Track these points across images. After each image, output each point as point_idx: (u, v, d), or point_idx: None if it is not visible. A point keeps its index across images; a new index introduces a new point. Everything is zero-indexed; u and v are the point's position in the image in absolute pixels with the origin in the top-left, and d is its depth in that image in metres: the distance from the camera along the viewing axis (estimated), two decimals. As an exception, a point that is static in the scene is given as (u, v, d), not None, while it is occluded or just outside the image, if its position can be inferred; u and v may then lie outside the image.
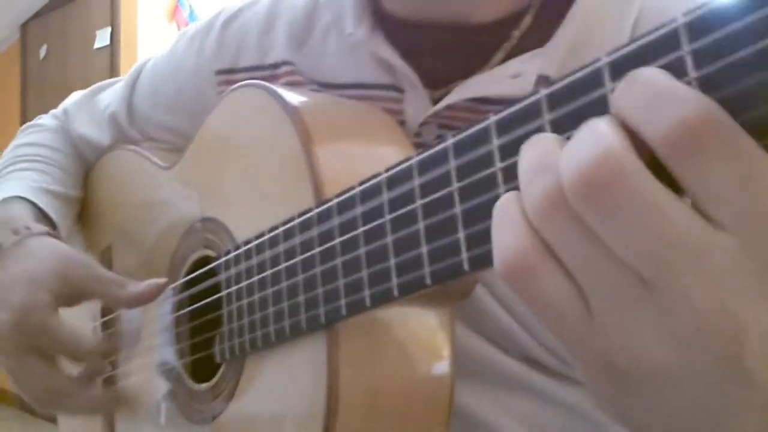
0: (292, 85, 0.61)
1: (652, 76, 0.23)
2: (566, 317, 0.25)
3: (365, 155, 0.51)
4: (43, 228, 0.66)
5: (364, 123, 0.53)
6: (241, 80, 0.65)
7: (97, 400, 0.62)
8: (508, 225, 0.26)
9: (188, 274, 0.61)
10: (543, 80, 0.51)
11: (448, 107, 0.53)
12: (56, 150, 0.79)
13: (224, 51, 0.67)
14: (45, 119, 0.84)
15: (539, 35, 0.53)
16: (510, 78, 0.52)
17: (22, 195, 0.70)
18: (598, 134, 0.23)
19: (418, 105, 0.55)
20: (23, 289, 0.58)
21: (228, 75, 0.67)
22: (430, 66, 0.55)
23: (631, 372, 0.25)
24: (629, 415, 0.27)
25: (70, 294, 0.60)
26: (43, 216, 0.70)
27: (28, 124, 0.84)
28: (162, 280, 0.59)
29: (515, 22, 0.54)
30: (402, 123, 0.55)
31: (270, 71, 0.64)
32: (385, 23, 0.58)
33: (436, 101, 0.54)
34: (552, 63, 0.51)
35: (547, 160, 0.25)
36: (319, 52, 0.61)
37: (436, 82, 0.55)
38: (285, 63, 0.63)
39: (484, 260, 0.31)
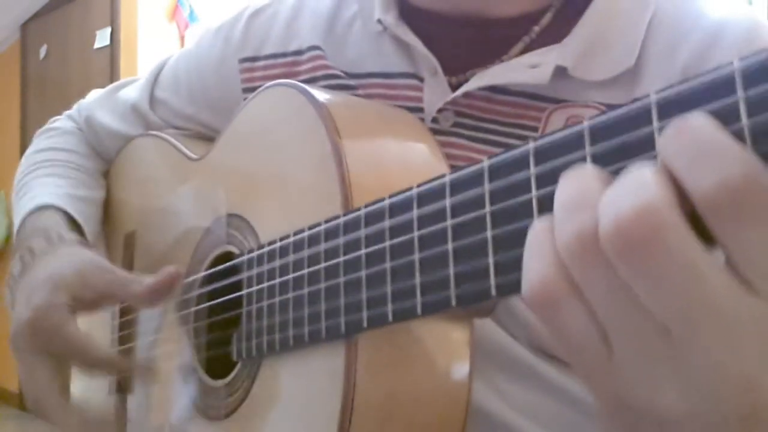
0: (316, 71, 0.62)
1: (699, 126, 0.22)
2: (585, 352, 0.25)
3: (395, 161, 0.51)
4: (75, 237, 0.67)
5: (395, 128, 0.53)
6: (263, 67, 0.66)
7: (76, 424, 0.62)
8: (538, 252, 0.26)
9: (210, 268, 0.61)
10: (560, 71, 0.52)
11: (466, 95, 0.55)
12: (75, 153, 0.80)
13: (249, 41, 0.68)
14: (60, 122, 0.84)
15: (558, 32, 0.54)
16: (528, 68, 0.53)
17: (51, 203, 0.71)
18: (642, 184, 0.23)
19: (436, 91, 0.56)
20: (44, 290, 0.60)
21: (251, 63, 0.68)
22: (449, 54, 0.57)
23: (644, 414, 0.25)
24: None
25: (91, 298, 0.61)
26: (72, 222, 0.71)
27: (44, 127, 0.85)
28: (174, 268, 0.58)
29: (536, 19, 0.56)
30: (420, 110, 0.56)
31: (292, 57, 0.65)
32: (408, 14, 0.59)
33: (454, 88, 0.56)
34: (570, 55, 0.53)
35: (586, 197, 0.25)
36: (343, 41, 0.62)
37: (455, 70, 0.57)
38: (311, 48, 0.64)
39: (512, 287, 0.31)
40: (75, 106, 0.85)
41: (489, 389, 0.52)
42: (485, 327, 0.52)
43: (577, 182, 0.26)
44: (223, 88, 0.70)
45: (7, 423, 3.86)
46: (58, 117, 0.85)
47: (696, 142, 0.22)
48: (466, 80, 0.55)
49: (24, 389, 0.61)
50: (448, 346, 0.46)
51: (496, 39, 0.56)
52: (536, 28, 0.56)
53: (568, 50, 0.53)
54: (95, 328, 0.62)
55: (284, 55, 0.65)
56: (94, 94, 0.84)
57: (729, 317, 0.22)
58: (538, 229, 0.27)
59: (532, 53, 0.54)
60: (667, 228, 0.22)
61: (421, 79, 0.57)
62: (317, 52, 0.63)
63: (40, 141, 0.82)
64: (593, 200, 0.24)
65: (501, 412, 0.52)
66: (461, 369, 0.46)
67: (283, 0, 0.69)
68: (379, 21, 0.59)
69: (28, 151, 0.82)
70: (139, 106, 0.78)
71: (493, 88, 0.54)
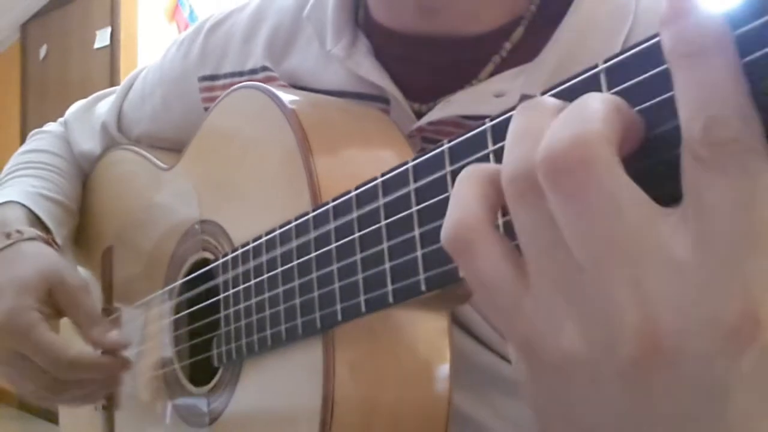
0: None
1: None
2: (499, 292, 0.25)
3: (362, 157, 0.51)
4: (36, 232, 0.66)
5: (361, 124, 0.53)
6: (222, 87, 0.65)
7: (89, 388, 0.62)
8: (456, 195, 0.26)
9: (186, 276, 0.61)
10: (527, 98, 0.49)
11: (431, 122, 0.53)
12: (59, 156, 0.80)
13: (208, 57, 0.68)
14: (52, 126, 0.85)
15: (530, 47, 0.51)
16: (493, 96, 0.50)
17: (17, 200, 0.70)
18: (582, 114, 0.23)
19: (401, 117, 0.54)
20: (12, 292, 0.59)
21: (210, 81, 0.67)
22: (417, 79, 0.55)
23: (546, 358, 0.24)
24: (540, 408, 0.26)
25: (54, 307, 0.61)
26: (38, 221, 0.70)
27: (36, 130, 0.86)
28: (129, 342, 0.62)
29: (507, 34, 0.53)
30: None
31: (248, 77, 0.64)
32: (373, 34, 0.57)
33: (421, 115, 0.54)
34: (537, 82, 0.49)
35: (533, 126, 0.25)
36: (303, 60, 0.61)
37: (424, 96, 0.54)
38: (263, 69, 0.63)
39: None
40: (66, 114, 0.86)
41: (482, 405, 0.52)
42: (474, 350, 0.52)
43: (528, 113, 0.26)
44: (184, 104, 0.70)
45: (7, 423, 3.87)
46: (52, 123, 0.86)
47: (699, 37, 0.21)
48: (434, 106, 0.53)
49: (20, 390, 0.61)
50: (426, 337, 0.46)
51: (467, 60, 0.53)
52: (507, 45, 0.53)
53: (536, 75, 0.50)
54: (78, 342, 0.62)
55: (241, 74, 0.65)
56: (76, 106, 0.84)
57: (637, 256, 0.21)
58: (462, 173, 0.27)
59: (500, 76, 0.51)
60: (596, 159, 0.22)
61: (387, 101, 0.55)
62: (269, 74, 0.62)
63: (29, 143, 0.83)
64: (541, 128, 0.24)
65: (492, 423, 0.52)
66: (442, 360, 0.46)
67: (243, 8, 0.67)
68: (330, 51, 0.57)
69: (18, 151, 0.82)
70: (107, 125, 0.78)
71: (459, 115, 0.52)
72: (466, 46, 0.53)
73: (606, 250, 0.22)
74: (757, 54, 0.21)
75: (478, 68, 0.53)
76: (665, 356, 0.21)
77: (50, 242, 0.67)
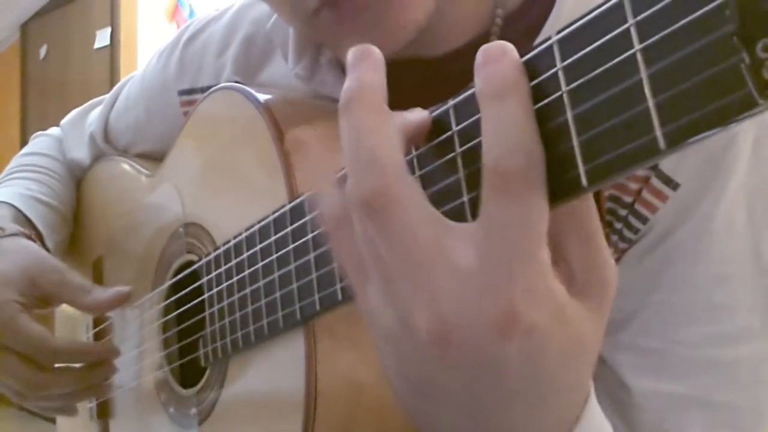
0: None
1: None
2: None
3: (337, 150, 0.50)
4: (17, 228, 0.67)
5: (335, 119, 0.53)
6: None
7: (71, 387, 0.62)
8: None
9: (172, 279, 0.61)
10: None
11: None
12: (57, 161, 0.81)
13: (185, 70, 0.68)
14: (54, 129, 0.86)
15: None
16: None
17: (7, 201, 0.71)
18: (376, 161, 0.28)
19: None
20: None
21: (189, 96, 0.68)
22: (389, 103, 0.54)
23: (377, 335, 0.31)
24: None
25: (39, 296, 0.61)
26: (27, 223, 0.71)
27: (39, 132, 0.86)
28: (126, 289, 0.61)
29: (475, 51, 0.51)
30: None
31: None
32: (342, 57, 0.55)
33: None
34: None
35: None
36: (275, 71, 0.60)
37: None
38: (235, 83, 0.62)
39: None
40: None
41: None
42: None
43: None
44: (166, 117, 0.70)
45: (7, 423, 3.87)
46: (55, 127, 0.86)
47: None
48: None
49: (2, 387, 0.61)
50: None
51: (437, 82, 0.51)
52: None
53: None
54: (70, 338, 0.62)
55: None
56: (72, 114, 0.85)
57: (428, 268, 0.27)
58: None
59: None
60: (395, 200, 0.27)
61: None
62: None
63: (30, 145, 0.84)
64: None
65: None
66: None
67: (220, 17, 0.67)
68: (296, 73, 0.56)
69: (18, 154, 0.83)
70: (95, 136, 0.79)
71: None
72: (430, 68, 0.51)
73: (406, 264, 0.27)
74: (547, 100, 0.26)
75: (450, 91, 0.51)
76: (451, 342, 0.27)
77: (32, 238, 0.68)
